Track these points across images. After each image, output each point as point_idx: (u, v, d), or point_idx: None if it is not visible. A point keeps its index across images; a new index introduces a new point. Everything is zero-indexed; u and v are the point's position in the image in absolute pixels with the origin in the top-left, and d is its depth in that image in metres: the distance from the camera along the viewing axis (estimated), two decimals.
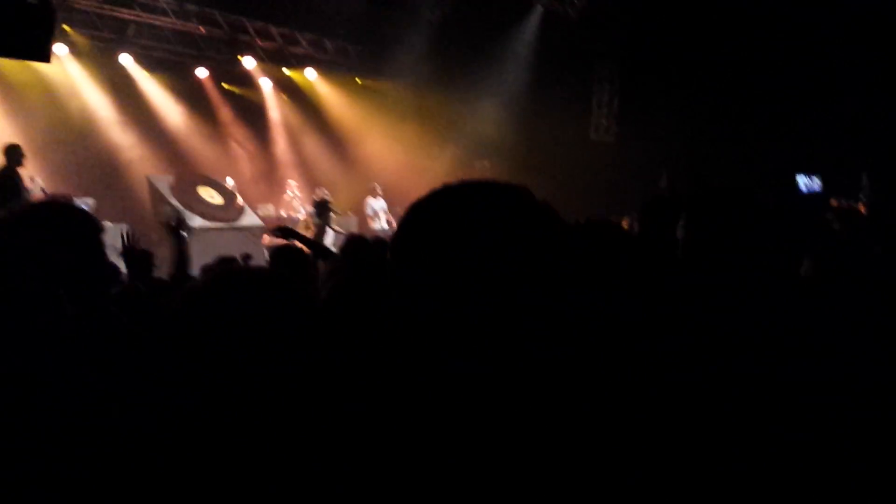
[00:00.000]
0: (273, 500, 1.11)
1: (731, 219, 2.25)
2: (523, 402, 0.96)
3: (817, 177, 12.10)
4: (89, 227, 1.71)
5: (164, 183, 11.72)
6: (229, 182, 12.65)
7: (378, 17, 13.76)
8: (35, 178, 8.89)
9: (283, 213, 13.54)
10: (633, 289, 2.59)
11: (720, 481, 1.29)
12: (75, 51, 11.82)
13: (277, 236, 5.73)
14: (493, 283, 0.96)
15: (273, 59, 14.44)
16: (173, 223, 4.48)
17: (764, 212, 2.28)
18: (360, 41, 14.53)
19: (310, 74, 14.77)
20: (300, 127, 15.35)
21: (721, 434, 1.48)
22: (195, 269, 6.28)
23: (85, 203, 10.81)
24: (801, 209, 9.92)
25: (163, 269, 8.21)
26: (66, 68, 11.71)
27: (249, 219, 12.24)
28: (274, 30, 13.89)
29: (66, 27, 11.17)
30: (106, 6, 11.55)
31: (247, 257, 7.54)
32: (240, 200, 12.30)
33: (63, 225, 1.65)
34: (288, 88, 15.13)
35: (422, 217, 1.07)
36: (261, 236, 12.27)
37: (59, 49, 11.08)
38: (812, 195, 11.89)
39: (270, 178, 14.73)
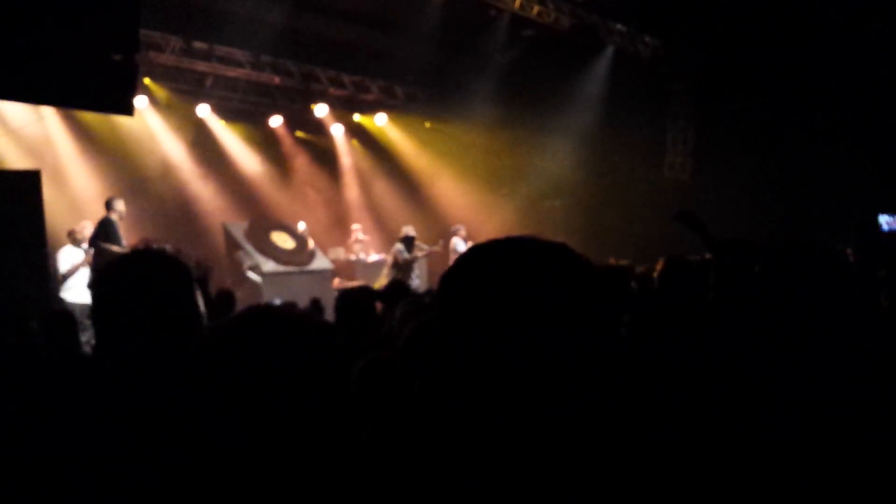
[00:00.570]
0: None
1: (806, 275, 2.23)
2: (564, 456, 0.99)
3: None
4: (182, 275, 1.71)
5: (238, 229, 11.98)
6: (301, 227, 12.83)
7: (447, 61, 13.91)
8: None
9: (353, 257, 13.65)
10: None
11: None
12: (155, 102, 12.28)
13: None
14: (526, 338, 1.00)
15: (344, 106, 14.73)
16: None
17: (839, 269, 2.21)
18: (430, 85, 14.69)
19: (380, 120, 14.98)
20: (371, 171, 15.56)
21: None
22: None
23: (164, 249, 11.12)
24: (882, 248, 9.46)
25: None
26: (145, 119, 12.15)
27: (320, 262, 12.37)
28: (346, 78, 14.17)
29: (146, 80, 11.63)
30: (185, 60, 11.98)
31: (315, 301, 7.54)
32: (311, 245, 12.45)
33: (157, 273, 1.67)
34: (359, 134, 15.39)
35: (464, 270, 1.10)
36: (331, 279, 12.37)
37: (140, 101, 11.52)
38: (894, 234, 11.38)
39: (341, 223, 14.90)
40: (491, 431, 0.99)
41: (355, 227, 14.12)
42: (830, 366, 2.12)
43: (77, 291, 8.79)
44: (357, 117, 15.07)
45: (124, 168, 11.91)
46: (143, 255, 1.76)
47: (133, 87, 7.17)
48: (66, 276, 8.89)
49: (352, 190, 15.59)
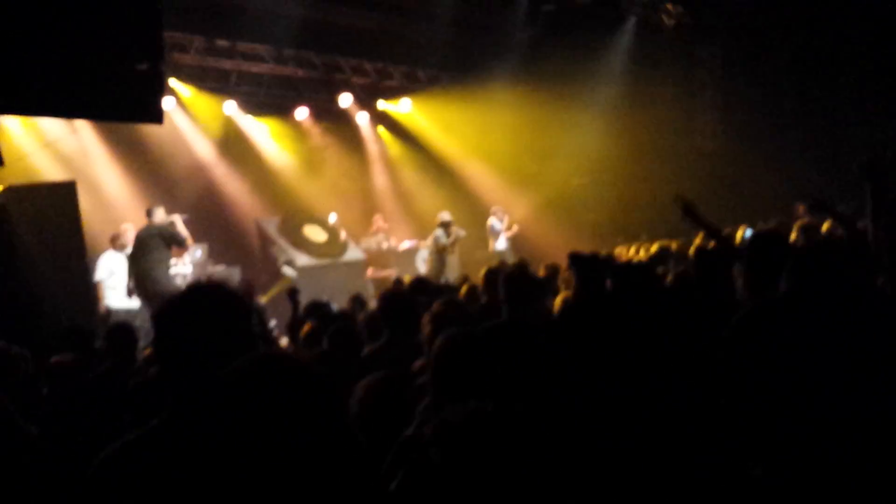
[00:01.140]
0: None
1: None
2: None
3: None
4: (240, 307, 1.76)
5: (271, 224, 12.12)
6: (332, 218, 12.93)
7: (469, 42, 13.83)
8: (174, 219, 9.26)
9: (384, 246, 13.74)
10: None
11: None
12: (182, 103, 12.41)
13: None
14: None
15: (368, 94, 14.75)
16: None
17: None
18: (453, 67, 14.62)
19: (404, 105, 14.97)
20: (399, 157, 15.59)
21: None
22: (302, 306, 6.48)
23: (197, 250, 11.29)
24: None
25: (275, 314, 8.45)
26: (174, 120, 12.28)
27: (353, 253, 12.47)
28: (368, 65, 14.17)
29: (172, 81, 11.75)
30: (209, 58, 12.07)
31: (356, 297, 7.45)
32: (343, 236, 12.54)
33: (216, 309, 1.72)
34: (384, 121, 15.41)
35: None
36: (365, 269, 12.48)
37: (167, 103, 11.65)
38: None
39: (372, 212, 14.96)
40: None
41: (377, 216, 14.23)
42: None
43: (120, 295, 8.97)
44: (381, 104, 15.08)
45: (156, 170, 12.08)
46: (202, 290, 1.78)
47: (160, 94, 7.24)
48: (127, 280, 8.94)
49: (380, 177, 15.65)
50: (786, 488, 2.12)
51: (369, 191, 15.60)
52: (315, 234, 12.22)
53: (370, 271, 12.69)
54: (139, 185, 11.53)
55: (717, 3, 12.50)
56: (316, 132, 14.81)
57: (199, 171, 13.07)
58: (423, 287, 6.15)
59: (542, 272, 7.27)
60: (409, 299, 4.45)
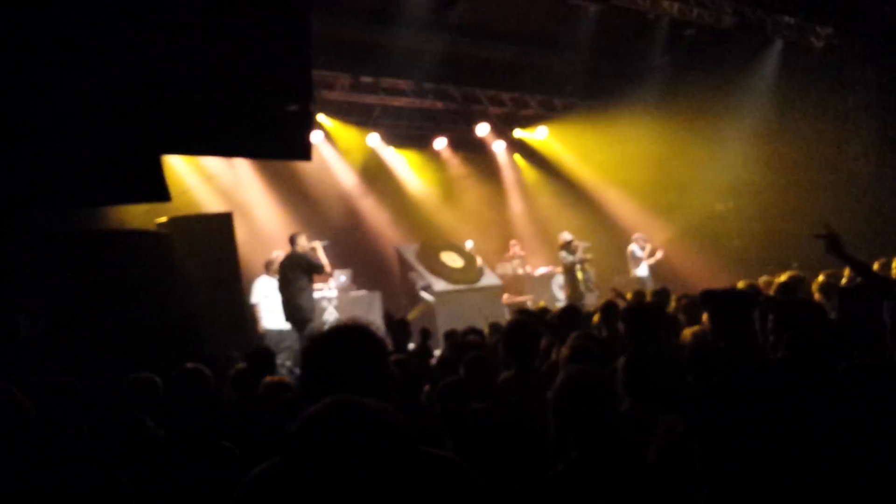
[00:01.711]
0: None
1: None
2: None
3: None
4: (378, 349, 1.94)
5: (410, 251, 12.55)
6: (469, 245, 13.22)
7: (606, 69, 13.82)
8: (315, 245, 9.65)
9: (520, 272, 13.87)
10: None
11: None
12: (328, 136, 13.14)
13: None
14: None
15: (505, 123, 15.04)
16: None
17: None
18: (589, 95, 14.64)
19: (540, 133, 15.13)
20: (535, 185, 15.72)
21: None
22: (440, 330, 6.71)
23: (341, 275, 11.87)
24: None
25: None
26: (321, 152, 13.02)
27: (489, 279, 12.68)
28: (505, 95, 14.46)
29: (319, 116, 12.49)
30: (354, 94, 12.74)
31: (495, 326, 7.57)
32: (479, 262, 12.79)
33: (356, 348, 1.89)
34: (520, 149, 15.62)
35: None
36: (500, 295, 12.65)
37: (315, 136, 12.38)
38: None
39: (508, 239, 15.14)
40: None
41: (513, 242, 14.38)
42: None
43: (274, 317, 9.47)
44: (518, 132, 15.31)
45: (305, 200, 12.82)
46: (347, 331, 1.96)
47: (309, 133, 7.75)
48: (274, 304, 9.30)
49: (517, 205, 15.84)
50: None
51: (506, 218, 15.81)
52: (452, 260, 12.54)
53: (506, 297, 12.86)
54: (289, 214, 12.29)
55: (868, 23, 11.86)
56: (454, 161, 15.23)
57: (343, 201, 13.76)
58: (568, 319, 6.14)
59: (673, 303, 7.17)
60: (530, 330, 4.48)
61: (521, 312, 7.25)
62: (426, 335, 6.65)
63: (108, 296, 6.71)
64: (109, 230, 7.96)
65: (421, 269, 12.16)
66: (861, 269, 4.37)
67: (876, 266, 7.43)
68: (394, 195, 14.30)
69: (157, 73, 6.05)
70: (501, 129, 15.14)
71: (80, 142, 5.82)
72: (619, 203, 15.00)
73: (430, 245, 12.88)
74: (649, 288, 10.67)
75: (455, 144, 15.09)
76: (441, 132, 14.70)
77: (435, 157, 14.97)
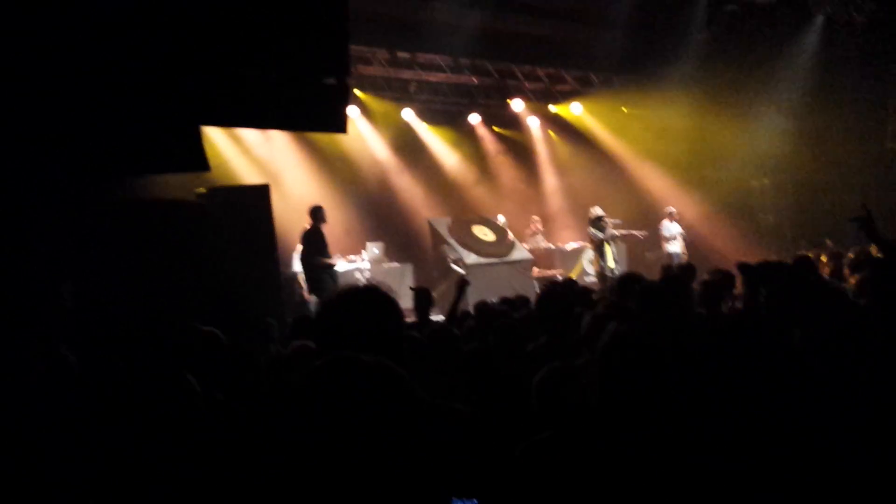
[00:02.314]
0: None
1: None
2: None
3: None
4: (392, 310, 2.01)
5: (442, 224, 12.67)
6: (500, 219, 13.29)
7: (643, 44, 13.69)
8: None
9: (552, 246, 13.94)
10: None
11: None
12: (364, 110, 13.25)
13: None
14: None
15: (540, 99, 15.02)
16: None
17: None
18: (625, 70, 14.53)
19: (575, 109, 15.08)
20: (569, 160, 15.69)
21: None
22: (471, 301, 6.79)
23: (375, 247, 12.04)
24: None
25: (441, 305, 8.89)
26: (357, 128, 13.15)
27: (519, 253, 12.78)
28: (540, 71, 14.45)
29: (356, 91, 12.59)
30: (391, 69, 12.84)
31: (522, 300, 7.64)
32: (510, 236, 12.88)
33: (370, 310, 1.96)
34: (555, 124, 15.59)
35: None
36: (530, 269, 12.74)
37: (351, 111, 12.49)
38: None
39: (542, 213, 15.17)
40: None
41: (534, 218, 14.41)
42: None
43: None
44: (553, 108, 15.27)
45: (340, 175, 12.98)
46: (360, 293, 2.04)
47: (345, 107, 7.82)
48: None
49: (550, 180, 15.84)
50: None
51: (539, 193, 15.83)
52: (484, 233, 12.65)
53: (536, 271, 12.94)
54: (324, 187, 12.46)
55: None
56: (488, 137, 15.26)
57: (377, 174, 13.89)
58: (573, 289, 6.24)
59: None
60: (565, 300, 4.55)
61: (552, 284, 7.31)
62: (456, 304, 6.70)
63: (150, 265, 6.91)
64: (151, 199, 8.14)
65: (453, 242, 12.28)
66: (890, 249, 4.47)
67: (851, 254, 7.33)
68: (427, 169, 14.40)
69: (198, 46, 6.19)
70: (536, 105, 15.11)
71: (122, 112, 5.98)
72: (654, 178, 14.93)
73: (463, 219, 12.99)
74: (676, 263, 10.68)
75: (489, 120, 15.12)
76: (476, 108, 14.74)
77: (469, 132, 15.01)
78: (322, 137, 12.42)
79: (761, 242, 13.49)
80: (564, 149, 15.69)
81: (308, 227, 9.56)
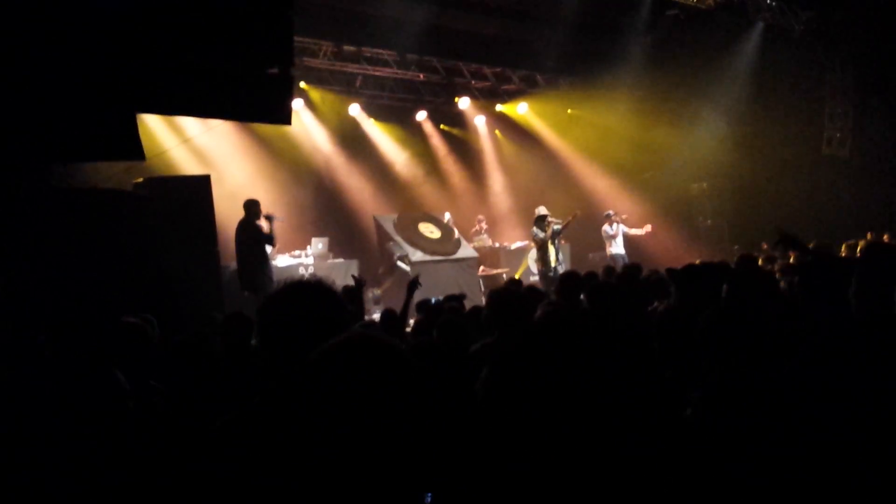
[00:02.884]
0: None
1: None
2: None
3: None
4: (334, 303, 1.93)
5: (388, 221, 12.59)
6: (447, 217, 13.28)
7: (588, 46, 13.84)
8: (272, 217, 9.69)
9: (497, 244, 13.98)
10: None
11: None
12: (310, 104, 13.09)
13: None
14: None
15: (486, 97, 15.07)
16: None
17: None
18: (571, 71, 14.69)
19: (521, 108, 15.17)
20: (514, 159, 15.78)
21: None
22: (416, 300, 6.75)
23: (319, 242, 11.90)
24: None
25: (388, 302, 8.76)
26: (301, 120, 12.97)
27: (465, 251, 12.77)
28: (487, 70, 14.48)
29: (301, 83, 12.43)
30: (337, 63, 12.70)
31: (461, 296, 7.65)
32: (456, 234, 12.87)
33: (311, 302, 1.89)
34: (501, 123, 15.65)
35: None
36: (476, 267, 12.75)
37: (295, 103, 12.32)
38: None
39: (486, 212, 15.21)
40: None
41: (479, 217, 14.46)
42: None
43: None
44: (499, 107, 15.34)
45: (284, 168, 12.78)
46: (301, 287, 1.96)
47: (289, 98, 7.70)
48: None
49: (496, 179, 15.90)
50: None
51: (486, 192, 15.87)
52: (430, 231, 12.61)
53: (481, 269, 12.96)
54: (267, 179, 12.26)
55: (848, 8, 11.98)
56: (435, 134, 15.24)
57: (323, 169, 13.73)
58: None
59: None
60: (520, 298, 4.50)
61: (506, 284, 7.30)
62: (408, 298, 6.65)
63: (82, 256, 6.70)
64: (85, 189, 7.89)
65: (399, 238, 12.21)
66: (815, 254, 4.77)
67: (843, 249, 7.64)
68: (374, 165, 14.30)
69: (136, 32, 6.01)
70: (483, 104, 15.15)
71: (54, 97, 5.79)
72: (598, 180, 15.11)
73: (409, 216, 12.94)
74: (621, 265, 10.79)
75: (436, 117, 15.10)
76: (423, 105, 14.70)
77: (416, 129, 14.96)
78: (266, 129, 12.23)
79: (699, 244, 13.78)
80: (510, 148, 15.78)
81: (242, 220, 9.35)
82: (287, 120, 7.77)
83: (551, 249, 11.64)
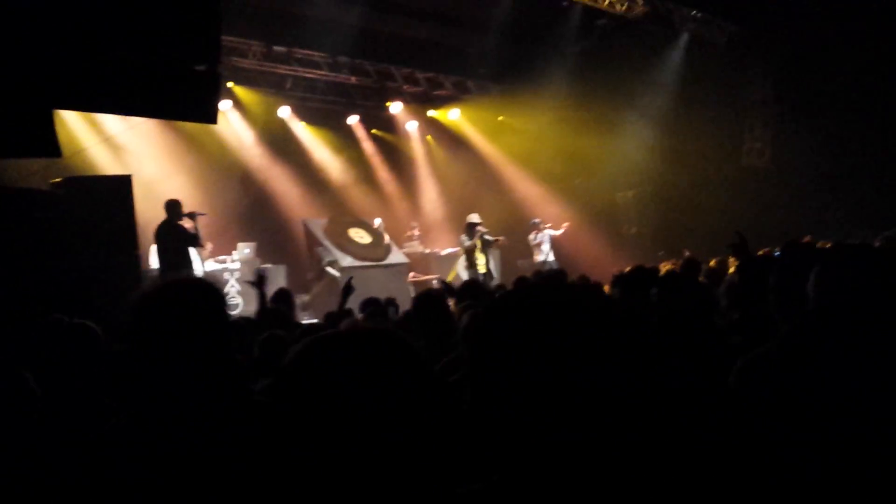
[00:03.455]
0: None
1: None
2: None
3: None
4: (213, 300, 1.83)
5: (318, 226, 12.40)
6: (377, 222, 13.17)
7: (519, 54, 13.97)
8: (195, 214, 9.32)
9: (427, 250, 13.94)
10: None
11: None
12: (238, 105, 12.81)
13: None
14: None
15: (419, 102, 15.02)
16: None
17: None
18: (502, 78, 14.80)
19: (453, 114, 15.19)
20: (446, 166, 15.79)
21: None
22: (348, 306, 6.64)
23: (246, 247, 11.63)
24: None
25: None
26: (229, 121, 12.69)
27: (396, 257, 12.69)
28: (419, 75, 14.45)
29: (229, 84, 12.15)
30: (266, 63, 12.46)
31: (390, 301, 7.60)
32: (387, 239, 12.77)
33: (191, 301, 1.78)
34: (433, 129, 15.64)
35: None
36: (406, 273, 12.67)
37: (223, 104, 12.04)
38: None
39: (417, 217, 15.17)
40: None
41: (413, 224, 14.44)
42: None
43: None
44: (431, 113, 15.32)
45: (210, 169, 12.47)
46: (178, 283, 1.86)
47: (216, 96, 7.46)
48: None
49: (428, 185, 15.87)
50: None
51: (417, 197, 15.82)
52: (360, 236, 12.48)
53: (412, 275, 12.89)
54: (193, 182, 11.92)
55: (770, 22, 12.39)
56: (366, 139, 15.12)
57: (251, 172, 13.45)
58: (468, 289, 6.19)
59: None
60: (444, 302, 4.46)
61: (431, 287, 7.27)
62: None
63: None
64: None
65: (328, 243, 12.05)
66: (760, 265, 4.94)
67: (713, 263, 7.79)
68: (304, 169, 14.08)
69: (54, 24, 5.74)
70: (415, 109, 15.11)
71: None
72: (527, 187, 15.24)
73: (339, 220, 12.78)
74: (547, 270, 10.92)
75: (368, 122, 14.99)
76: (354, 109, 14.57)
77: (347, 132, 14.82)
78: (191, 129, 11.90)
79: (625, 252, 14.01)
80: (442, 154, 15.79)
81: (164, 222, 8.93)
82: (213, 119, 7.53)
83: (480, 257, 11.67)
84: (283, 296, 6.27)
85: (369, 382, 1.09)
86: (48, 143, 6.09)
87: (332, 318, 6.06)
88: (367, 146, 15.21)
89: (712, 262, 7.69)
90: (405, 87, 14.49)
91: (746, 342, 2.85)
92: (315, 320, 8.59)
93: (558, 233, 13.07)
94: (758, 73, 13.33)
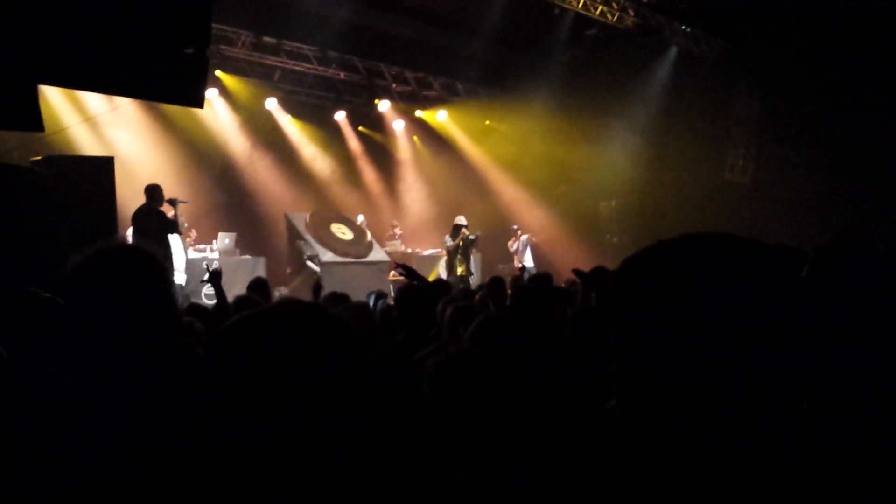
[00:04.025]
0: None
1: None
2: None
3: None
4: (152, 269, 1.76)
5: (300, 220, 12.33)
6: (360, 219, 13.12)
7: (509, 59, 14.00)
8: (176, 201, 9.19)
9: (409, 250, 13.90)
10: None
11: None
12: (225, 94, 12.70)
13: (400, 274, 5.90)
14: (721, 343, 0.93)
15: (407, 102, 14.99)
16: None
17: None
18: (491, 83, 14.81)
19: (440, 116, 15.18)
20: (432, 166, 15.77)
21: None
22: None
23: (227, 237, 11.52)
24: None
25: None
26: (215, 110, 12.58)
27: (377, 254, 12.64)
28: (409, 74, 14.42)
29: (218, 72, 12.05)
30: (255, 53, 12.38)
31: (381, 294, 7.50)
32: (369, 237, 12.72)
33: (128, 270, 1.71)
34: (420, 129, 15.61)
35: (642, 270, 1.03)
36: (387, 271, 12.63)
37: (210, 92, 11.94)
38: None
39: (400, 216, 15.13)
40: None
41: (394, 223, 14.42)
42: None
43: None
44: (419, 113, 15.30)
45: (193, 157, 12.36)
46: (112, 253, 1.77)
47: (204, 80, 7.37)
48: None
49: (412, 184, 15.85)
50: None
51: (401, 196, 15.79)
52: (342, 232, 12.43)
53: (392, 274, 12.83)
54: (176, 169, 11.81)
55: (757, 39, 12.52)
56: (352, 135, 15.06)
57: (235, 162, 13.35)
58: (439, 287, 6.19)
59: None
60: (427, 297, 4.43)
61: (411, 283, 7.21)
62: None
63: None
64: None
65: (309, 238, 11.98)
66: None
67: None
68: (288, 162, 14.01)
69: None
70: (403, 108, 15.08)
71: None
72: (512, 192, 15.25)
73: (321, 215, 12.71)
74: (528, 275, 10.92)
75: (355, 119, 14.94)
76: (342, 105, 14.51)
77: (334, 129, 14.75)
78: (176, 113, 11.78)
79: (605, 260, 14.02)
80: (428, 155, 15.76)
81: (143, 206, 8.75)
82: (199, 103, 7.42)
83: (461, 259, 11.72)
84: (259, 285, 6.20)
85: (293, 350, 1.08)
86: (31, 116, 5.99)
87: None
88: (353, 143, 15.16)
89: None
90: (394, 85, 14.46)
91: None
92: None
93: (526, 238, 13.14)
94: (743, 90, 13.43)
